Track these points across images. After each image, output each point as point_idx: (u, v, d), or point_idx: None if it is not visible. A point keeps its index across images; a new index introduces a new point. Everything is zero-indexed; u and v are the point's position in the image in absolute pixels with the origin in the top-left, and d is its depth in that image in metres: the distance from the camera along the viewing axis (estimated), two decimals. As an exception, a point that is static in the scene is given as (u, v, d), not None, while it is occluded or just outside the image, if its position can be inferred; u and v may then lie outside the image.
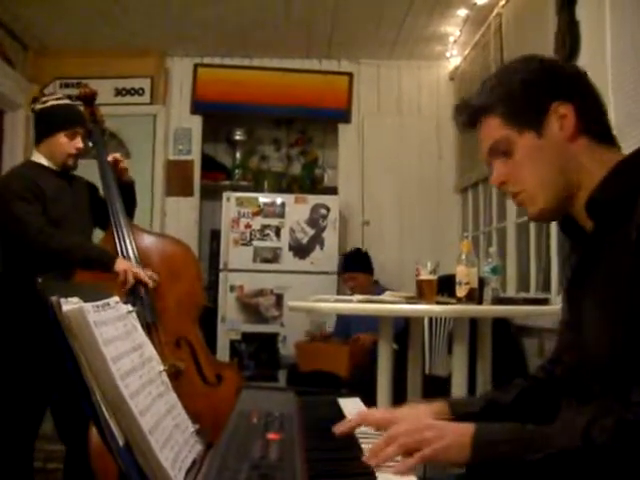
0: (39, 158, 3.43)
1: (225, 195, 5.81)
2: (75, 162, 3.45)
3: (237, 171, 6.45)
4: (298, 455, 1.24)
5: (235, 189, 6.09)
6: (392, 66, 6.27)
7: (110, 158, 3.61)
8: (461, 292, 2.91)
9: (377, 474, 1.19)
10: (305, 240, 5.73)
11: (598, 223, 1.33)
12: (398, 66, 6.28)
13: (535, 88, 1.37)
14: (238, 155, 6.51)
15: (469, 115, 1.45)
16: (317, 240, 5.73)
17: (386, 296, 3.20)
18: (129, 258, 3.42)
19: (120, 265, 3.27)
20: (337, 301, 3.20)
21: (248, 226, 5.72)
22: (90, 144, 3.63)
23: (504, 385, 1.64)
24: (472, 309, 3.00)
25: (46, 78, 6.07)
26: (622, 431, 1.14)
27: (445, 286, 3.25)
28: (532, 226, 4.44)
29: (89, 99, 3.71)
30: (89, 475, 3.24)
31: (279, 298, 5.68)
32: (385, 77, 6.31)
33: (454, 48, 5.85)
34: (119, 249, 3.43)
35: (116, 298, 1.33)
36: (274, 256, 5.72)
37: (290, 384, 4.95)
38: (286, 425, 1.45)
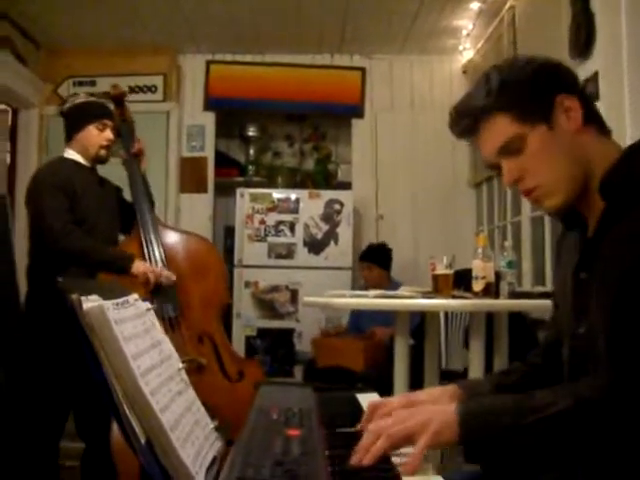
0: (71, 154, 3.48)
1: (239, 191, 5.81)
2: (107, 154, 3.51)
3: (250, 167, 6.45)
4: (319, 451, 1.24)
5: (249, 185, 6.10)
6: (404, 60, 6.26)
7: (136, 148, 3.68)
8: (478, 286, 2.90)
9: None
10: (319, 235, 5.73)
11: (611, 205, 1.34)
12: (410, 60, 6.26)
13: (540, 83, 1.39)
14: (251, 151, 6.51)
15: (474, 117, 1.43)
16: (331, 235, 5.72)
17: (402, 291, 3.19)
18: (156, 260, 3.46)
19: (138, 268, 3.30)
20: (352, 296, 3.19)
21: (262, 222, 5.73)
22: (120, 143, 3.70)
23: (504, 369, 1.66)
24: (489, 303, 2.99)
25: (59, 77, 6.11)
26: (614, 388, 1.19)
27: (461, 280, 3.24)
28: (547, 220, 4.41)
29: (119, 99, 3.76)
30: (108, 472, 3.28)
31: (294, 294, 5.68)
32: (398, 72, 6.30)
33: (467, 41, 5.81)
34: (145, 250, 3.47)
35: (135, 295, 1.33)
36: (288, 252, 5.72)
37: (307, 380, 4.94)
38: (306, 421, 1.45)
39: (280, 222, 5.74)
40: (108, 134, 3.48)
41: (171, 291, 3.41)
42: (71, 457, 3.69)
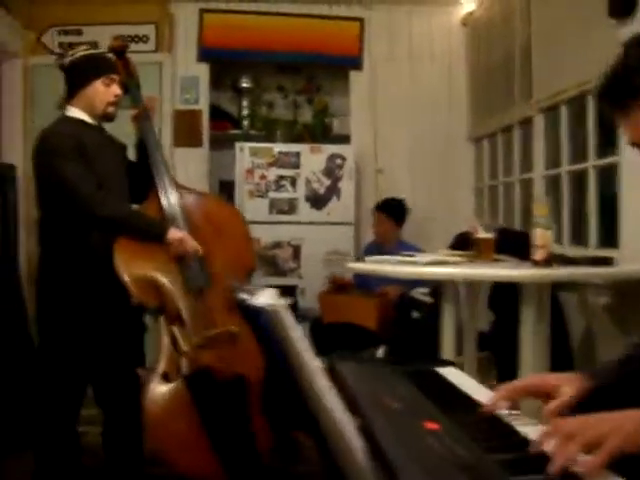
0: (76, 113, 3.29)
1: (238, 145, 5.69)
2: (115, 111, 3.34)
3: (245, 120, 6.30)
4: (477, 449, 1.20)
5: (245, 139, 5.96)
6: (403, 11, 6.10)
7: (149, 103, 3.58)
8: (539, 255, 2.80)
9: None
10: (321, 190, 5.66)
11: None
12: (409, 11, 6.09)
13: None
14: (244, 103, 6.35)
15: (632, 96, 1.32)
16: (333, 190, 5.66)
17: (442, 256, 3.13)
18: (175, 214, 3.32)
19: (173, 234, 3.19)
20: (401, 263, 3.08)
21: (263, 177, 5.63)
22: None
23: (624, 354, 1.61)
24: (563, 273, 2.90)
25: (42, 25, 5.88)
26: None
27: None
28: (564, 179, 4.29)
29: (122, 51, 3.59)
30: (131, 437, 3.25)
31: (296, 250, 5.63)
32: (396, 22, 6.12)
33: (468, -7, 5.72)
34: (165, 204, 3.33)
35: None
36: (290, 207, 5.65)
37: (314, 336, 4.91)
38: (427, 410, 1.40)
39: (281, 177, 5.65)
40: (115, 89, 3.31)
41: (198, 262, 3.27)
42: (84, 423, 3.64)
